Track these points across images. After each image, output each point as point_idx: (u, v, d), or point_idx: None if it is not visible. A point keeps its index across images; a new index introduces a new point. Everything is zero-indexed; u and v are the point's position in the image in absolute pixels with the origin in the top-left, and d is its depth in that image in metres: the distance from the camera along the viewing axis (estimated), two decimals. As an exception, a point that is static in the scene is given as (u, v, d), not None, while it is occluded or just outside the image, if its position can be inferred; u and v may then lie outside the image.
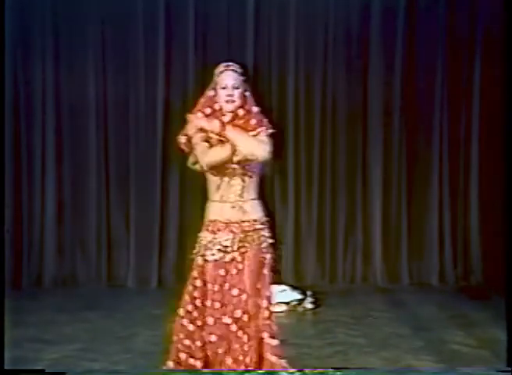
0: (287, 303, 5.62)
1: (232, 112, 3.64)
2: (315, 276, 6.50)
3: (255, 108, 3.70)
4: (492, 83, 6.26)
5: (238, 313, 3.56)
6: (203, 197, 3.73)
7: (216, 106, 3.66)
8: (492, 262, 6.35)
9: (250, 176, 3.67)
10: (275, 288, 5.76)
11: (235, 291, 3.57)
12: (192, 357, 3.60)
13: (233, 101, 3.65)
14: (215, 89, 3.69)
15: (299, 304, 5.64)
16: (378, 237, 6.56)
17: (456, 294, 6.10)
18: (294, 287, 5.88)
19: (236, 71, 3.69)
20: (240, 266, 3.60)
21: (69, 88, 6.36)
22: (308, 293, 5.78)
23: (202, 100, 3.72)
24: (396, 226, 6.57)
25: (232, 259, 3.61)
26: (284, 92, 6.47)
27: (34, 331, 4.89)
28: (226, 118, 3.60)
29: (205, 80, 5.93)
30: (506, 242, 4.62)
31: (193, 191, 5.96)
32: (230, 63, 3.71)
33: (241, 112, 3.66)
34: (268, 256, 3.65)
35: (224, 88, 3.65)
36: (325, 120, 6.51)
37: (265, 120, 3.66)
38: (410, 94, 6.48)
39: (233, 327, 3.58)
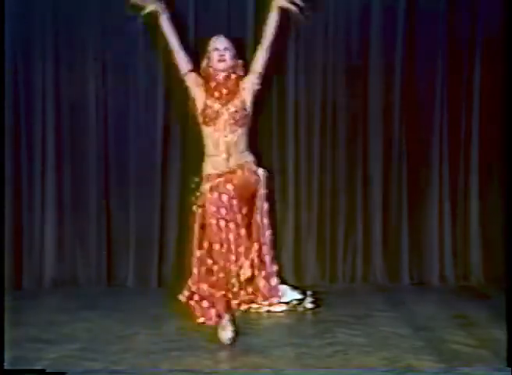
0: (287, 303, 5.62)
1: (224, 71, 4.23)
2: (315, 275, 6.50)
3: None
4: (492, 83, 6.26)
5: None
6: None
7: (210, 70, 4.30)
8: (492, 262, 6.35)
9: (240, 129, 4.28)
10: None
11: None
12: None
13: (224, 60, 4.29)
14: (208, 57, 4.30)
15: (299, 304, 5.64)
16: (379, 237, 6.55)
17: (456, 293, 6.09)
18: (294, 287, 5.88)
19: (227, 39, 4.39)
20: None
21: (69, 88, 6.36)
22: (308, 293, 5.78)
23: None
24: (397, 226, 6.57)
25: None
26: (283, 92, 6.46)
27: (35, 331, 4.88)
28: (219, 77, 4.23)
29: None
30: (506, 242, 4.62)
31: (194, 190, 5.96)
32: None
33: (233, 76, 4.21)
34: (261, 191, 4.26)
35: (216, 50, 4.30)
36: (325, 120, 6.51)
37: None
38: (410, 94, 6.47)
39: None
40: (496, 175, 6.44)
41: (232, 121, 4.44)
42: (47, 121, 6.38)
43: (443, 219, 6.56)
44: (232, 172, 4.57)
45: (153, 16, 5.16)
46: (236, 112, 4.54)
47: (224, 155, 4.45)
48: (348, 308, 5.59)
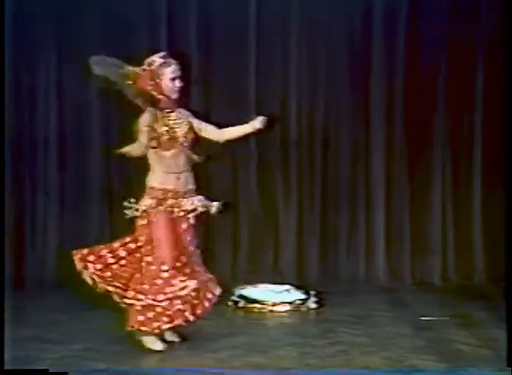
0: (290, 303, 5.64)
1: (175, 99, 4.30)
2: (318, 275, 6.52)
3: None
4: (494, 84, 6.26)
5: None
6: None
7: (159, 96, 4.26)
8: (495, 262, 6.36)
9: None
10: (279, 288, 5.85)
11: None
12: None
13: (180, 91, 4.33)
14: (154, 80, 4.24)
15: (302, 303, 5.66)
16: (381, 237, 6.57)
17: (458, 293, 6.10)
18: (297, 287, 5.91)
19: (176, 63, 4.31)
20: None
21: (72, 88, 6.38)
22: (311, 292, 5.80)
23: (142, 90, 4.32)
24: (399, 226, 6.58)
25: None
26: (287, 92, 6.48)
27: (36, 331, 4.90)
28: (171, 105, 4.26)
29: (208, 81, 6.01)
30: (506, 242, 4.64)
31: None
32: (165, 54, 4.31)
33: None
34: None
35: (173, 80, 4.26)
36: (328, 120, 6.53)
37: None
38: (412, 95, 6.49)
39: None
40: (499, 175, 6.44)
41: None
42: (50, 120, 6.40)
43: (446, 220, 6.58)
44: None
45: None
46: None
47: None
48: (351, 308, 5.60)
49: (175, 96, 4.40)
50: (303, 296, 5.72)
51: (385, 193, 6.56)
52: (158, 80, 4.34)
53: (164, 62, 4.36)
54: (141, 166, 6.35)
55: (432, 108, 6.50)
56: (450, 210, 6.59)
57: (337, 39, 6.47)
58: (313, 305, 5.65)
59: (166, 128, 4.35)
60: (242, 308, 5.61)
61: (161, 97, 4.35)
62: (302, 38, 6.46)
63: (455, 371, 4.08)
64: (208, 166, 6.40)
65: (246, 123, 6.30)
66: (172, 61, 4.40)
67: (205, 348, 4.51)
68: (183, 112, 4.52)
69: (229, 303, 5.66)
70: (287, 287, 5.88)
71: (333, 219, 6.55)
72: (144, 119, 4.31)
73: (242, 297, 5.69)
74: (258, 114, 6.35)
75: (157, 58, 4.37)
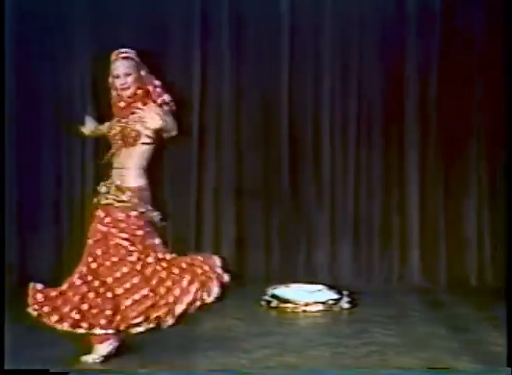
0: (323, 302, 5.62)
1: (130, 97, 4.05)
2: (352, 275, 6.49)
3: (155, 85, 4.04)
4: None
5: None
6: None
7: (114, 93, 4.10)
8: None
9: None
10: (312, 288, 5.84)
11: None
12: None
13: (128, 88, 4.07)
14: (112, 77, 4.09)
15: (335, 303, 5.64)
16: (416, 237, 6.52)
17: (494, 294, 6.03)
18: (330, 287, 5.89)
19: (127, 58, 4.04)
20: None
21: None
22: (344, 292, 5.78)
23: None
24: (434, 225, 6.53)
25: None
26: (319, 92, 6.47)
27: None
28: (122, 103, 4.03)
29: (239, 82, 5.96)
30: (507, 242, 4.58)
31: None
32: (122, 50, 4.07)
33: (139, 91, 4.03)
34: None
35: (117, 77, 4.07)
36: (361, 119, 6.50)
37: (165, 95, 4.10)
38: (446, 94, 6.43)
39: None
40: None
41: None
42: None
43: (482, 219, 6.51)
44: None
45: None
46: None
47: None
48: (384, 308, 5.57)
49: (126, 94, 4.13)
50: (335, 296, 5.70)
51: (419, 192, 6.51)
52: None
53: (114, 58, 4.18)
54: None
55: (468, 106, 6.43)
56: (486, 209, 6.51)
57: (370, 37, 6.44)
58: (346, 305, 5.62)
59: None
60: (275, 308, 5.61)
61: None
62: (335, 39, 6.44)
63: (490, 372, 4.03)
64: (240, 166, 6.46)
65: (275, 123, 6.41)
66: (123, 56, 4.14)
67: (238, 348, 4.50)
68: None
69: (262, 303, 5.66)
70: (320, 286, 5.87)
71: (367, 218, 6.52)
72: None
73: (275, 296, 5.68)
74: (291, 115, 6.46)
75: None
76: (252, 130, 6.46)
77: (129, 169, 4.15)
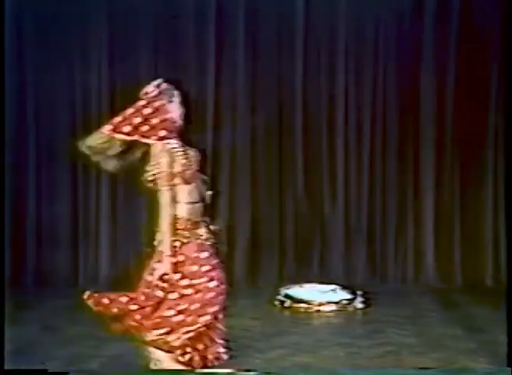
0: (337, 302, 5.60)
1: None
2: (366, 275, 6.46)
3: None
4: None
5: None
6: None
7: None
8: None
9: None
10: (325, 288, 5.82)
11: None
12: None
13: None
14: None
15: (349, 303, 5.61)
16: (431, 237, 6.49)
17: (510, 294, 5.97)
18: (344, 287, 5.87)
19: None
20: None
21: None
22: (358, 292, 5.76)
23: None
24: (449, 226, 6.49)
25: None
26: (333, 91, 6.45)
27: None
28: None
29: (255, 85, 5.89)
30: (507, 243, 4.54)
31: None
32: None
33: None
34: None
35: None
36: (376, 119, 6.48)
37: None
38: (463, 93, 6.39)
39: None
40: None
41: None
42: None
43: (498, 219, 6.46)
44: None
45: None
46: None
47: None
48: (399, 308, 5.54)
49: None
50: (349, 296, 5.68)
51: (434, 192, 6.48)
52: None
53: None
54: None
55: (484, 106, 6.39)
56: (502, 210, 6.46)
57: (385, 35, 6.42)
58: (360, 305, 5.60)
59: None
60: (288, 307, 5.59)
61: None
62: (350, 37, 6.42)
63: (495, 373, 4.00)
64: (255, 169, 6.45)
65: (289, 124, 6.39)
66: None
67: (252, 348, 4.49)
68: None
69: (276, 303, 5.65)
70: (333, 286, 5.85)
71: (381, 219, 6.49)
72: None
73: (288, 297, 5.67)
74: (304, 114, 6.45)
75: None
76: (266, 130, 6.45)
77: None
